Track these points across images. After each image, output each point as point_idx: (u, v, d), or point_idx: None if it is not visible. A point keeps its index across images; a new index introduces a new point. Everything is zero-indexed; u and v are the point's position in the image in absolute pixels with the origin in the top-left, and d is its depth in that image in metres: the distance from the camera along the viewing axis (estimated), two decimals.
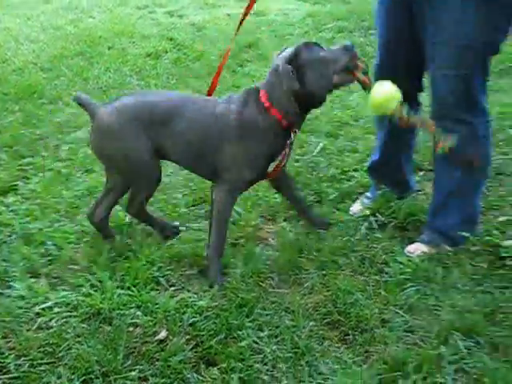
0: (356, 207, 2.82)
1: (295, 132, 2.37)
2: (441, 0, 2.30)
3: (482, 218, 2.75)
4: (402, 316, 2.18)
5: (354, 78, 2.31)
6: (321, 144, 3.41)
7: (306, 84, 2.26)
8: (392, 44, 2.57)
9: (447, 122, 2.41)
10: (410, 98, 2.47)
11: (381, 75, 2.46)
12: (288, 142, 2.36)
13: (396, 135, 2.74)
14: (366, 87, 2.31)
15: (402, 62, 2.56)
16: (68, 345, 2.04)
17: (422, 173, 3.18)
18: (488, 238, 2.59)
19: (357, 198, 2.89)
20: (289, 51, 2.29)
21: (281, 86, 2.26)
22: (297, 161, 3.24)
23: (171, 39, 5.71)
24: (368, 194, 2.89)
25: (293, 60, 2.26)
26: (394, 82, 2.31)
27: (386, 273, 2.40)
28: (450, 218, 2.56)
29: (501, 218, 2.75)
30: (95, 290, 2.29)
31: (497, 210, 2.84)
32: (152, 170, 2.46)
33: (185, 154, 2.44)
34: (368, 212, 2.73)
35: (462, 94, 2.41)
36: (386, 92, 2.28)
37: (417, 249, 2.54)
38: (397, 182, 2.86)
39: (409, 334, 2.11)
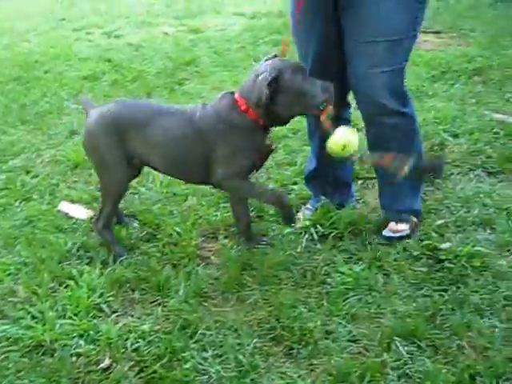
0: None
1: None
2: (363, 1, 2.40)
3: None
4: (345, 326, 2.19)
5: (318, 117, 2.39)
6: None
7: (276, 104, 2.34)
8: (325, 54, 2.59)
9: (384, 117, 2.54)
10: (341, 104, 2.66)
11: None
12: (268, 135, 2.49)
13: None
14: (327, 132, 2.37)
15: (334, 70, 2.60)
16: (9, 381, 1.99)
17: (360, 181, 3.23)
18: (427, 241, 2.64)
19: (297, 211, 2.90)
20: (274, 70, 2.32)
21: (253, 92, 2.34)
22: None
23: (109, 60, 5.67)
24: (308, 206, 2.92)
25: (275, 80, 2.30)
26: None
27: (328, 284, 2.41)
28: (407, 199, 2.76)
29: (438, 222, 2.81)
30: (36, 322, 2.24)
31: (434, 213, 2.90)
32: (120, 177, 2.57)
33: (167, 160, 2.53)
34: (308, 224, 2.74)
35: (396, 88, 2.53)
36: (344, 139, 2.36)
37: (396, 229, 2.70)
38: (335, 192, 2.90)
39: (352, 344, 2.12)
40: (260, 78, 2.32)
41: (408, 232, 2.71)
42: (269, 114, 2.38)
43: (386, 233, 2.72)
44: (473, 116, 4.01)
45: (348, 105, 2.85)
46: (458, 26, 6.63)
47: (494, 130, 3.74)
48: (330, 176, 2.89)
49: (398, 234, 2.70)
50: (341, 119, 2.63)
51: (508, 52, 5.39)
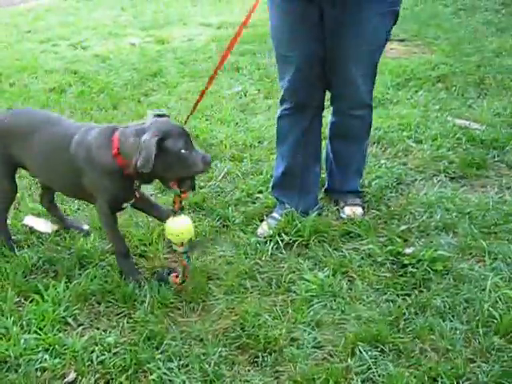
0: (262, 229, 2.86)
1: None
2: (359, 12, 2.60)
3: (384, 227, 2.86)
4: (310, 333, 2.22)
5: (177, 187, 2.33)
6: (225, 168, 3.44)
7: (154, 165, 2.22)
8: (312, 58, 2.72)
9: (358, 110, 2.88)
10: (320, 106, 2.92)
11: (295, 90, 2.78)
12: (134, 187, 2.42)
13: (299, 151, 2.91)
14: (173, 210, 2.39)
15: (320, 74, 2.79)
16: None
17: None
18: (391, 247, 2.68)
19: (262, 220, 2.93)
20: (159, 131, 2.25)
21: (135, 152, 2.23)
22: (202, 187, 3.26)
23: (75, 72, 5.63)
24: (274, 215, 2.94)
25: (160, 141, 2.23)
26: (308, 96, 2.77)
27: (293, 291, 2.44)
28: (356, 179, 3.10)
29: (402, 227, 2.85)
30: (0, 338, 2.21)
31: (398, 219, 2.94)
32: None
33: (45, 172, 2.65)
34: (272, 232, 2.77)
35: (371, 87, 2.87)
36: (184, 226, 2.37)
37: (355, 211, 2.96)
38: (300, 199, 2.94)
39: (317, 350, 2.15)
40: (147, 138, 2.22)
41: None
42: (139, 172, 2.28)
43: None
44: (436, 122, 4.08)
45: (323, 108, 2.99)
46: (423, 34, 6.74)
47: (457, 136, 3.81)
48: (296, 183, 2.93)
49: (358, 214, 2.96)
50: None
51: (470, 59, 5.49)
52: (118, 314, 2.36)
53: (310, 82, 2.78)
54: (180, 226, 2.36)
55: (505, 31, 6.50)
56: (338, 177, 3.10)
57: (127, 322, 2.30)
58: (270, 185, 3.06)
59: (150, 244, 2.77)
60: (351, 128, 2.97)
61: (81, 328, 2.29)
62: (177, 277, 2.45)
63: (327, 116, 3.12)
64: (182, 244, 2.38)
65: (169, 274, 2.49)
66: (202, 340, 2.20)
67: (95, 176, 2.42)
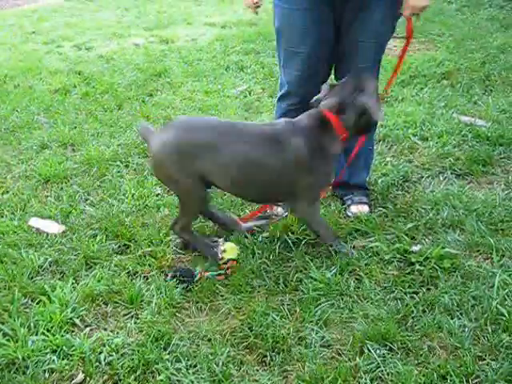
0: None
1: None
2: (368, 4, 2.63)
3: (391, 224, 2.86)
4: (318, 332, 2.21)
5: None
6: None
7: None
8: (318, 54, 2.77)
9: None
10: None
11: (303, 85, 2.81)
12: None
13: None
14: None
15: (325, 69, 2.87)
16: None
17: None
18: (398, 245, 2.67)
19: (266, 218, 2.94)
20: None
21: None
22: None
23: (79, 73, 5.63)
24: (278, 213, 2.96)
25: None
26: (315, 91, 2.68)
27: (301, 290, 2.43)
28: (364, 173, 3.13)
29: (409, 225, 2.84)
30: (8, 340, 2.21)
31: (405, 217, 2.93)
32: (197, 196, 2.60)
33: (237, 181, 2.55)
34: (278, 231, 2.77)
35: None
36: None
37: (361, 209, 2.98)
38: None
39: (325, 349, 2.15)
40: (365, 97, 2.49)
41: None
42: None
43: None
44: (441, 119, 4.07)
45: None
46: (427, 30, 6.70)
47: (463, 133, 3.80)
48: None
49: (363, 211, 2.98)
50: None
51: (474, 55, 5.47)
52: (125, 315, 2.36)
53: (316, 77, 2.81)
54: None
55: (509, 27, 6.47)
56: (345, 170, 3.10)
57: (134, 323, 2.30)
58: None
59: (157, 244, 2.77)
60: None
61: (88, 329, 2.29)
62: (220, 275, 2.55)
63: None
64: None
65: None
66: (209, 340, 2.19)
67: (323, 164, 2.54)
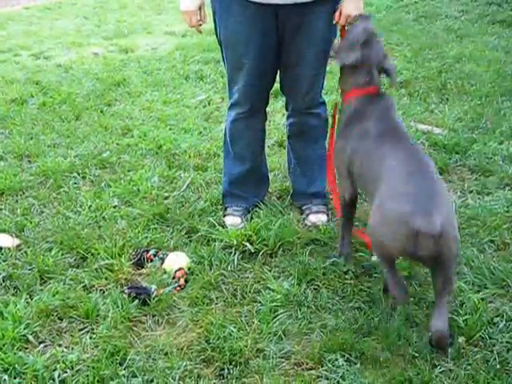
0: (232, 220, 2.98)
1: None
2: (312, 13, 2.65)
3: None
4: (277, 343, 2.20)
5: None
6: (189, 178, 3.42)
7: None
8: (263, 65, 2.77)
9: (314, 108, 2.96)
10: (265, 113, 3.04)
11: (251, 95, 2.85)
12: None
13: (258, 151, 3.10)
14: None
15: (272, 78, 2.89)
16: None
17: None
18: (356, 254, 2.69)
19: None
20: None
21: None
22: (166, 198, 3.23)
23: (37, 83, 5.53)
24: (237, 209, 3.03)
25: None
26: (262, 99, 2.90)
27: (259, 302, 2.42)
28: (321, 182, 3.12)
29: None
30: None
31: (363, 225, 2.94)
32: None
33: None
34: (235, 242, 2.76)
35: (319, 90, 2.95)
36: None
37: (320, 219, 2.98)
38: (254, 196, 3.10)
39: (284, 361, 2.14)
40: None
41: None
42: None
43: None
44: None
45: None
46: (385, 40, 6.78)
47: (420, 141, 3.84)
48: (252, 182, 3.13)
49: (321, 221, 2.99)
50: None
51: (431, 64, 5.56)
52: (80, 330, 2.32)
53: (263, 86, 2.87)
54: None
55: (464, 37, 6.60)
56: (302, 178, 3.13)
57: (90, 338, 2.25)
58: (225, 184, 3.12)
59: (114, 256, 2.72)
60: (310, 126, 3.03)
61: (42, 345, 2.23)
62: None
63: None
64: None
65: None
66: (166, 354, 2.16)
67: None
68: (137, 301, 2.42)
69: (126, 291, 2.47)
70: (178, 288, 2.51)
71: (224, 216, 3.03)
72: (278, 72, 2.91)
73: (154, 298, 2.44)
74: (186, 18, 2.78)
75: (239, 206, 3.03)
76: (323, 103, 3.04)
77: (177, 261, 2.64)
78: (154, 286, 2.49)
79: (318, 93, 2.96)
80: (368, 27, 2.56)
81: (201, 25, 2.81)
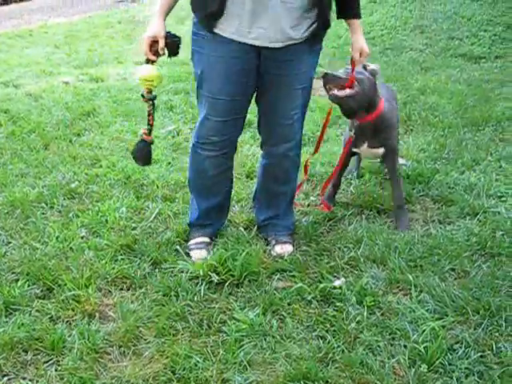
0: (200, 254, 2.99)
1: None
2: (296, 55, 2.68)
3: (314, 263, 2.92)
4: (242, 373, 2.23)
5: None
6: (157, 209, 3.45)
7: None
8: (240, 103, 2.81)
9: (289, 144, 2.95)
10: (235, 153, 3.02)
11: (224, 132, 2.85)
12: None
13: (225, 186, 3.11)
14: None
15: (243, 121, 2.91)
16: None
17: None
18: (320, 284, 2.73)
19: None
20: None
21: None
22: (134, 228, 3.25)
23: (6, 111, 5.53)
24: (204, 240, 3.06)
25: None
26: (235, 137, 2.91)
27: (224, 332, 2.44)
28: (291, 216, 3.21)
29: (332, 263, 2.91)
30: None
31: (328, 255, 3.00)
32: None
33: None
34: (202, 272, 2.78)
35: (299, 135, 2.98)
36: (155, 72, 2.70)
37: (286, 249, 3.03)
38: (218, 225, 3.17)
39: None
40: None
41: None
42: None
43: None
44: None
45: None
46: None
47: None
48: (221, 215, 3.20)
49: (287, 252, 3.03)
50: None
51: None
52: (45, 362, 2.31)
53: (236, 125, 2.87)
54: (151, 72, 2.68)
55: (429, 70, 6.79)
56: (267, 210, 3.17)
57: (55, 370, 2.25)
58: (191, 216, 3.16)
59: (81, 287, 2.73)
60: (284, 169, 3.05)
61: (6, 379, 2.22)
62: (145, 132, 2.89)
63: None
64: (151, 91, 2.74)
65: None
66: None
67: None
68: (103, 331, 2.42)
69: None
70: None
71: (190, 250, 3.03)
72: (257, 111, 2.95)
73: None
74: (142, 45, 2.66)
75: (205, 235, 3.06)
76: (298, 145, 3.03)
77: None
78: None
79: (298, 133, 2.97)
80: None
81: (157, 55, 2.68)
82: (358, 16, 2.86)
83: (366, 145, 3.32)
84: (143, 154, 2.96)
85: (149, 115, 2.84)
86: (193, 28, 2.73)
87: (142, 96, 2.80)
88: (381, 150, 3.34)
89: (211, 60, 2.70)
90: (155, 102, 2.82)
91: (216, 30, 2.63)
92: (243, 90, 2.76)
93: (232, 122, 2.83)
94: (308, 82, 2.84)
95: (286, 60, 2.70)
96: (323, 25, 2.70)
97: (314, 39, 2.73)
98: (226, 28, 2.61)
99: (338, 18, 2.86)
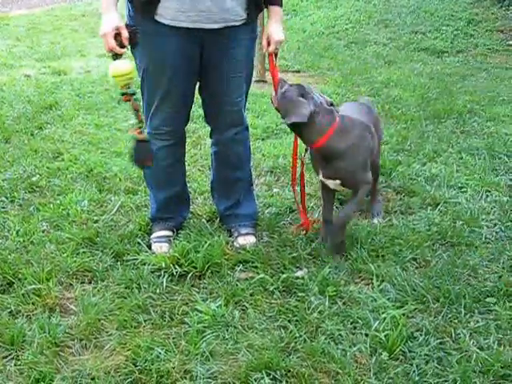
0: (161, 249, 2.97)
1: None
2: (236, 41, 2.73)
3: (277, 254, 2.93)
4: (204, 364, 2.22)
5: None
6: (119, 202, 3.42)
7: None
8: (190, 92, 2.86)
9: (238, 128, 3.00)
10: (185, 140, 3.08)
11: (174, 123, 2.90)
12: None
13: (181, 177, 3.14)
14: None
15: (190, 108, 2.94)
16: None
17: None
18: (282, 274, 2.74)
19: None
20: None
21: None
22: (96, 221, 3.22)
23: None
24: (165, 233, 3.05)
25: None
26: (183, 127, 2.96)
27: (187, 323, 2.44)
28: (252, 204, 3.23)
29: (294, 254, 2.92)
30: None
31: (290, 246, 3.01)
32: None
33: None
34: (164, 265, 2.77)
35: (243, 115, 3.01)
36: (131, 67, 2.61)
37: (249, 240, 3.03)
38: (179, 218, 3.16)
39: (211, 381, 2.15)
40: None
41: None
42: None
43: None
44: None
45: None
46: (317, 65, 7.00)
47: None
48: (180, 206, 3.19)
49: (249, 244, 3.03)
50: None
51: (360, 89, 5.76)
52: (4, 357, 2.27)
53: (186, 114, 2.94)
54: (127, 66, 2.58)
55: (392, 64, 6.86)
56: (226, 200, 3.17)
57: (15, 365, 2.21)
58: (152, 209, 3.14)
59: (42, 281, 2.69)
60: (235, 153, 3.07)
61: None
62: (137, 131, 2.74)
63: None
64: (129, 86, 2.62)
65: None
66: (93, 378, 2.15)
67: None
68: (64, 324, 2.40)
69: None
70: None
71: (151, 244, 3.01)
72: (201, 101, 2.98)
73: None
74: (104, 42, 2.61)
75: (167, 228, 3.06)
76: (246, 128, 3.09)
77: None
78: None
79: (242, 117, 3.01)
80: (298, 85, 2.83)
81: (123, 47, 2.62)
82: (277, 3, 2.85)
83: (321, 174, 2.98)
84: (145, 154, 2.78)
85: (136, 111, 2.72)
86: (129, 22, 2.70)
87: (123, 94, 2.66)
88: (337, 182, 2.91)
89: (159, 54, 2.69)
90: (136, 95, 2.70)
91: (156, 18, 2.63)
92: (190, 78, 2.80)
93: (182, 111, 2.90)
94: (249, 70, 2.91)
95: (228, 48, 2.74)
96: (256, 6, 2.75)
97: (252, 21, 2.78)
98: (165, 13, 2.61)
99: (265, 6, 2.86)
